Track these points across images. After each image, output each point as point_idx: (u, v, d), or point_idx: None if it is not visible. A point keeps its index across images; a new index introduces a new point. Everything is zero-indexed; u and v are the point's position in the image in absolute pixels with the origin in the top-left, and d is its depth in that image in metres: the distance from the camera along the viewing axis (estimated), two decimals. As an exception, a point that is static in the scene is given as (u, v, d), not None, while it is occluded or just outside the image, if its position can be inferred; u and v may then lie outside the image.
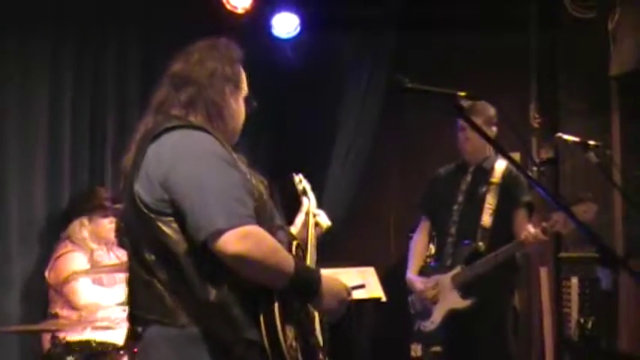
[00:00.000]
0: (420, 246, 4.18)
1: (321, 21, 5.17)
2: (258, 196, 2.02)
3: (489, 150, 4.00)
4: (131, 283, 2.08)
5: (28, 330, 3.86)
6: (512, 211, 3.90)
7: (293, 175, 2.80)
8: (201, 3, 4.66)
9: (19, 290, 4.15)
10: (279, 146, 5.49)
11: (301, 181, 2.77)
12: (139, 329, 2.05)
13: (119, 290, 4.04)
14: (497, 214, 3.86)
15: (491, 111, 3.85)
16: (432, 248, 4.43)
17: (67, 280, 3.91)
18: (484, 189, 3.92)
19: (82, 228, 4.12)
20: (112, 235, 4.18)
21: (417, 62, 5.01)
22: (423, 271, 4.08)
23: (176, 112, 2.07)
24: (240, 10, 4.79)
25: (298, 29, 5.10)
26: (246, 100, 2.22)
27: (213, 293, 1.91)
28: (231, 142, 2.15)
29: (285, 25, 5.09)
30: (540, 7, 5.12)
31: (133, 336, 2.10)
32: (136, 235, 2.02)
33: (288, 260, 1.98)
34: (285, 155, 5.28)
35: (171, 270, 1.95)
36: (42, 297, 4.10)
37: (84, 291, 3.95)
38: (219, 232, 1.85)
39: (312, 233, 2.50)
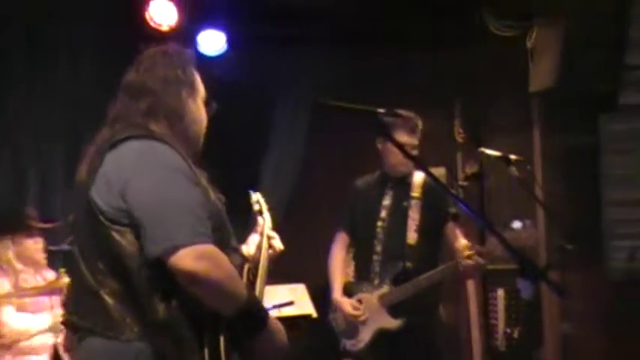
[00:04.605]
0: (339, 263, 4.08)
1: (247, 38, 5.17)
2: (216, 214, 1.98)
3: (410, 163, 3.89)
4: (75, 291, 2.01)
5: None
6: (441, 224, 3.89)
7: (250, 192, 2.73)
8: (125, 20, 4.61)
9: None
10: (206, 164, 5.43)
11: (258, 201, 2.70)
12: (77, 337, 1.98)
13: (45, 316, 3.92)
14: (422, 229, 3.83)
15: (415, 120, 3.78)
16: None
17: None
18: (406, 204, 3.88)
19: (7, 249, 3.99)
20: (38, 256, 4.06)
21: (344, 79, 5.04)
22: (347, 288, 4.03)
23: (137, 120, 2.03)
24: (165, 28, 4.74)
25: (225, 47, 5.08)
26: (206, 102, 2.19)
27: (161, 310, 1.86)
28: (196, 149, 2.14)
29: (211, 42, 5.06)
30: (463, 25, 5.23)
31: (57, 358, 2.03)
32: (88, 243, 1.94)
33: (242, 289, 1.95)
34: (213, 174, 5.23)
35: (121, 281, 1.89)
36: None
37: (8, 320, 3.82)
38: (177, 248, 1.80)
39: (264, 256, 2.43)
